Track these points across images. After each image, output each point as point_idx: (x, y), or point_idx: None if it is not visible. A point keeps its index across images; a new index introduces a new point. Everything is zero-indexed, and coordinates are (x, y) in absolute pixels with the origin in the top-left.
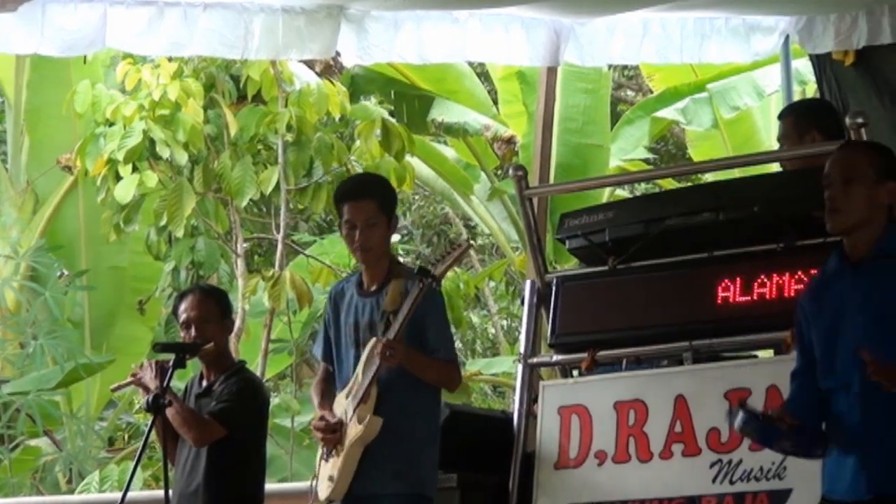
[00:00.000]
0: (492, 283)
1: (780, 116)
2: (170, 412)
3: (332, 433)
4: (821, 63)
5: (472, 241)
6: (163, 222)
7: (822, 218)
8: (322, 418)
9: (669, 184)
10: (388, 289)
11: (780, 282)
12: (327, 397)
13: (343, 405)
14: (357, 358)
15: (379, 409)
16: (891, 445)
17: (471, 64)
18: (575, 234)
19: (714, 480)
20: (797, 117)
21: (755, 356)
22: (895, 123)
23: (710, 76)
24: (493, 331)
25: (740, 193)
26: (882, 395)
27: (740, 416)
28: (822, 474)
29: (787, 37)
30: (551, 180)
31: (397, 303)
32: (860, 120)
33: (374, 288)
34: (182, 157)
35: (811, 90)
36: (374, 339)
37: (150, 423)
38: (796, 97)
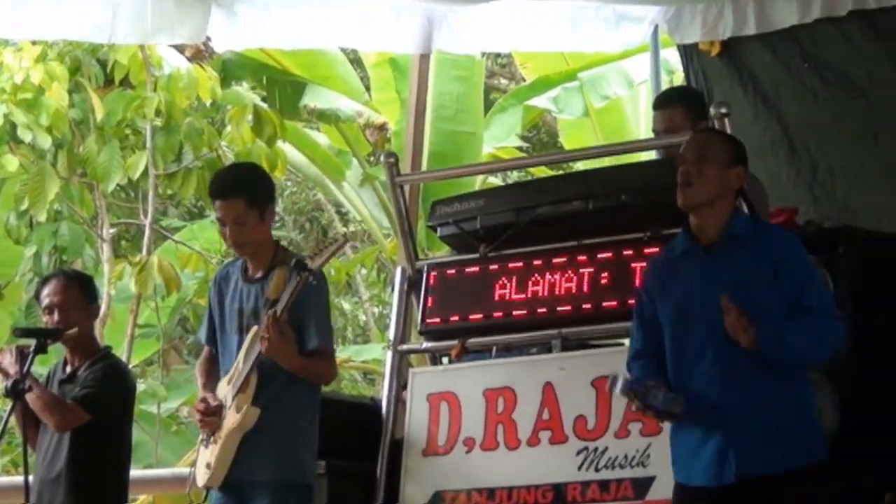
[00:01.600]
0: (363, 270)
1: (665, 104)
2: (30, 397)
3: (212, 416)
4: (688, 53)
5: (347, 235)
6: (24, 206)
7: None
8: (203, 400)
9: (542, 172)
10: (272, 276)
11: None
12: (211, 379)
13: (224, 391)
14: (240, 344)
15: (258, 398)
16: (753, 421)
17: (344, 50)
18: (446, 222)
19: (580, 468)
20: (689, 106)
21: (622, 344)
22: (757, 113)
23: (582, 65)
24: (363, 318)
25: (609, 182)
26: (740, 370)
27: (620, 380)
28: (674, 458)
29: (657, 27)
30: (424, 167)
31: (279, 291)
32: (724, 110)
33: (259, 275)
34: (45, 141)
35: (679, 80)
36: (255, 327)
37: (9, 408)
38: (664, 86)
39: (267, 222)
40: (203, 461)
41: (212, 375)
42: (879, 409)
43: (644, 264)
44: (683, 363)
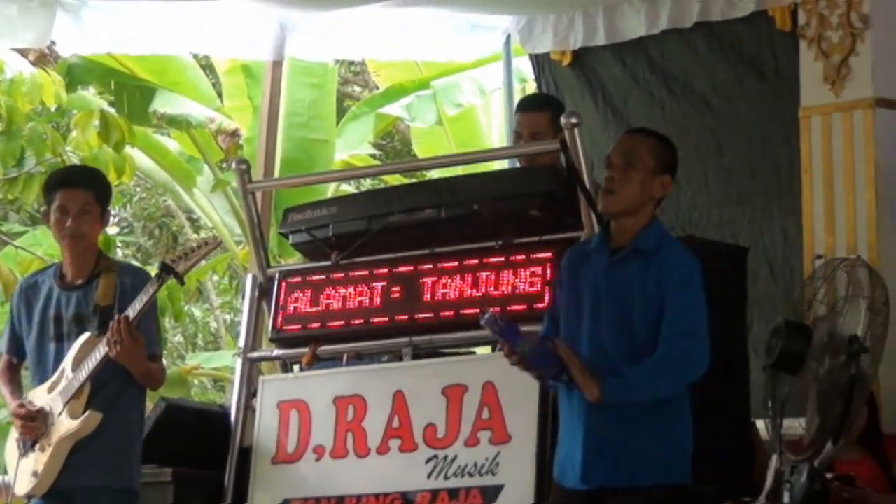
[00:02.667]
0: (214, 277)
1: (532, 108)
2: None
3: (32, 421)
4: (540, 63)
5: (217, 240)
6: None
7: (541, 216)
8: (22, 405)
9: (396, 180)
10: (97, 282)
11: (499, 279)
12: (17, 388)
13: (45, 399)
14: (59, 351)
15: (90, 404)
16: (623, 430)
17: (196, 56)
18: (298, 229)
19: (429, 476)
20: (555, 114)
21: (473, 352)
22: (607, 123)
23: (435, 73)
24: (214, 325)
25: (461, 191)
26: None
27: (489, 313)
28: (556, 457)
29: (509, 36)
30: (276, 174)
31: (110, 297)
32: (574, 120)
33: (80, 281)
34: None
35: (531, 89)
36: (87, 334)
37: None
38: (517, 95)
39: (102, 224)
40: (27, 469)
41: (16, 383)
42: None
43: (490, 274)
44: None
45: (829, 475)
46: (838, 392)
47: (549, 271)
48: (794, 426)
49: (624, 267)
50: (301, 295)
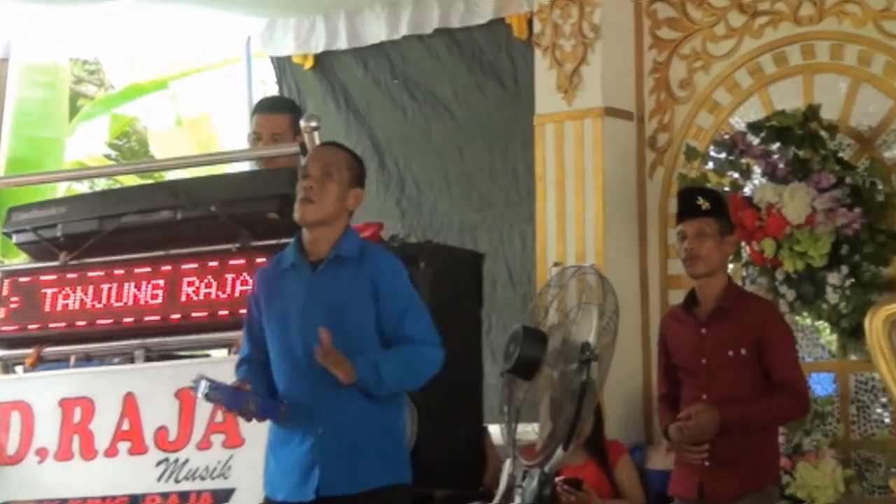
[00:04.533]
0: None
1: (273, 109)
2: None
3: None
4: (281, 65)
5: None
6: None
7: (279, 219)
8: None
9: (134, 181)
10: None
11: (234, 282)
12: None
13: None
14: None
15: None
16: (340, 439)
17: None
18: (23, 229)
19: (160, 479)
20: (295, 117)
21: (208, 355)
22: (349, 127)
23: (173, 74)
24: None
25: (198, 193)
26: (332, 389)
27: (203, 383)
28: (266, 472)
29: (249, 38)
30: (2, 173)
31: None
32: (313, 123)
33: None
34: None
35: (272, 91)
36: None
37: None
38: (256, 98)
39: None
40: None
41: None
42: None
43: (233, 275)
44: (283, 374)
45: (558, 479)
46: (570, 398)
47: None
48: (528, 431)
49: (330, 275)
50: (26, 295)
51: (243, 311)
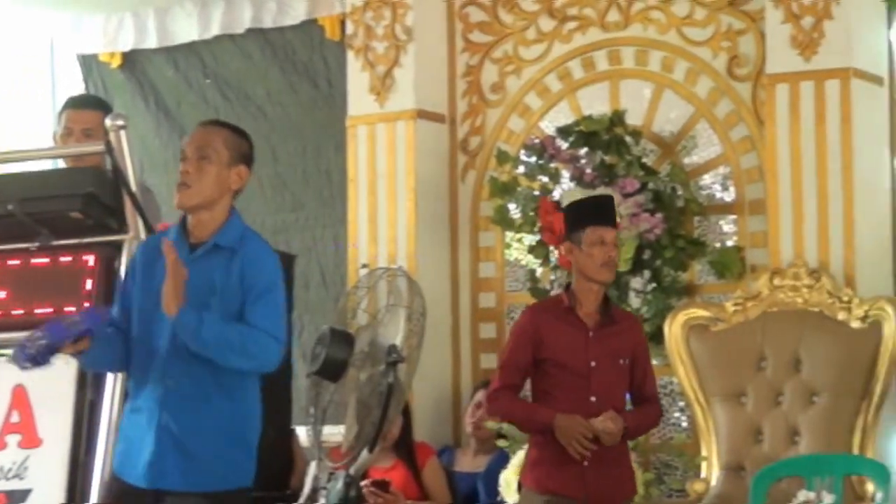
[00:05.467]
0: None
1: (86, 105)
2: None
3: None
4: (87, 63)
5: None
6: None
7: (83, 218)
8: None
9: None
10: None
11: (30, 283)
12: None
13: None
14: None
15: None
16: (187, 434)
17: None
18: None
19: None
20: (108, 113)
21: (4, 355)
22: (159, 126)
23: None
24: None
25: None
26: (183, 380)
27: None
28: (118, 446)
29: (53, 36)
30: None
31: None
32: (120, 122)
33: None
34: None
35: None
36: None
37: None
38: (62, 96)
39: None
40: None
41: None
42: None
43: (35, 275)
44: (142, 353)
45: (365, 481)
46: (376, 400)
47: (92, 274)
48: (335, 433)
49: (204, 262)
50: None
51: (40, 310)
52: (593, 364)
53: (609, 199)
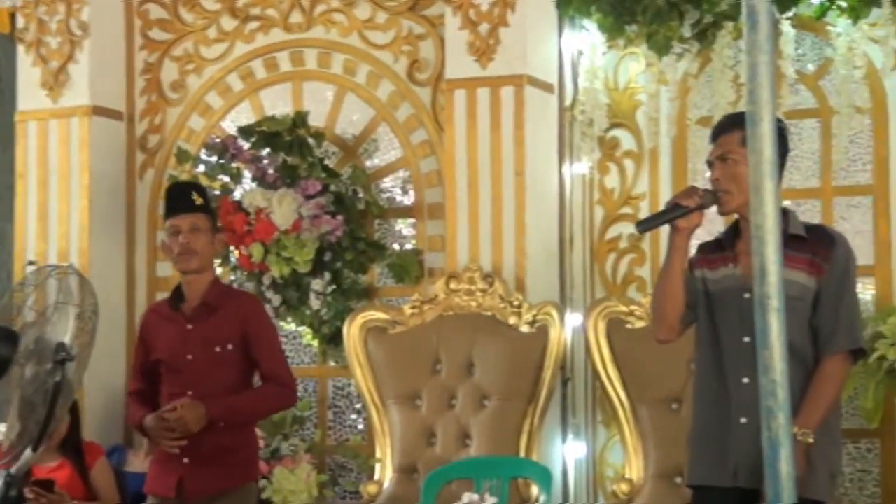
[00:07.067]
0: None
1: None
2: None
3: None
4: None
5: None
6: None
7: None
8: None
9: None
10: None
11: None
12: None
13: None
14: None
15: None
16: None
17: None
18: None
19: None
20: None
21: None
22: None
23: None
24: None
25: None
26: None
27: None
28: None
29: None
30: None
31: None
32: None
33: None
34: None
35: None
36: None
37: None
38: None
39: None
40: None
41: None
42: None
43: None
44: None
45: (30, 481)
46: (42, 398)
47: None
48: None
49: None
50: None
51: None
52: (189, 357)
53: (179, 186)
